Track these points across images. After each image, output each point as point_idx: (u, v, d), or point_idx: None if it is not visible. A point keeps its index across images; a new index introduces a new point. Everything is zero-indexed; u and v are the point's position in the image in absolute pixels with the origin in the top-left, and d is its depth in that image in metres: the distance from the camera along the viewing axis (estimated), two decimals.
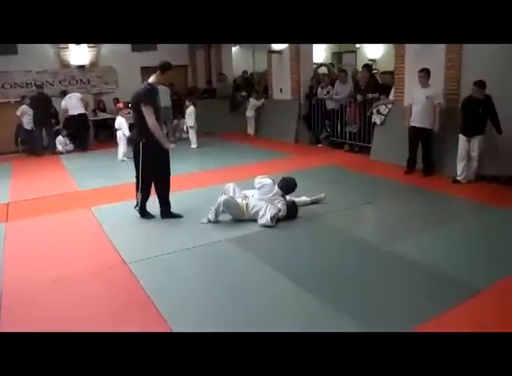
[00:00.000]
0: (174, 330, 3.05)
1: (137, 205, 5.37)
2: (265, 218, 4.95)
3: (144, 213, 5.37)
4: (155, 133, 4.95)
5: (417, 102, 6.86)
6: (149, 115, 4.91)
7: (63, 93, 10.90)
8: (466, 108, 6.33)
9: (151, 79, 5.06)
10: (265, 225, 4.94)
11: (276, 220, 5.00)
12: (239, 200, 5.16)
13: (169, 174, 5.27)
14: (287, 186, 5.25)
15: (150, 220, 5.27)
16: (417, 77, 6.82)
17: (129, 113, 10.89)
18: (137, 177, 5.25)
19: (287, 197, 5.28)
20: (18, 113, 10.34)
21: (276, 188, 5.17)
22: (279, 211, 5.01)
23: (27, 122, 10.39)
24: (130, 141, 5.33)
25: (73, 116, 10.63)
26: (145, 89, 4.98)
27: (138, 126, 5.17)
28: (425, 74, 6.71)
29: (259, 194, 5.16)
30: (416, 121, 6.92)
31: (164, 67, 5.06)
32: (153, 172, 5.15)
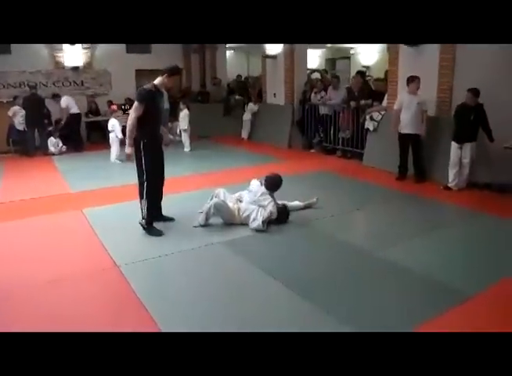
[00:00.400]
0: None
1: (143, 218, 4.95)
2: (257, 222, 4.95)
3: (151, 228, 4.96)
4: (128, 130, 4.79)
5: (408, 108, 6.91)
6: (132, 110, 4.79)
7: (55, 96, 10.93)
8: (459, 115, 6.40)
9: (157, 81, 4.90)
10: (256, 230, 4.94)
11: (268, 223, 5.01)
12: (230, 205, 5.16)
13: (163, 178, 5.19)
14: (271, 183, 5.25)
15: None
16: (406, 83, 6.89)
17: (124, 113, 10.95)
18: (141, 182, 4.90)
19: (280, 202, 5.28)
20: (10, 113, 10.27)
21: (263, 187, 5.20)
22: (271, 214, 5.01)
23: (19, 123, 10.32)
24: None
25: (75, 114, 10.91)
26: (146, 89, 4.82)
27: (138, 126, 4.84)
28: (416, 81, 6.77)
29: (249, 197, 5.18)
30: (407, 128, 6.97)
31: (172, 71, 4.91)
32: (159, 173, 5.00)
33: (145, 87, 4.88)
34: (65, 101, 10.79)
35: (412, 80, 6.80)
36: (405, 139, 7.07)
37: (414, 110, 6.85)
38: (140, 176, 4.92)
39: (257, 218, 4.96)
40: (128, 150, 4.85)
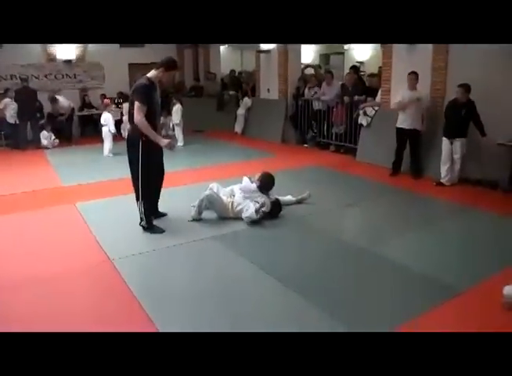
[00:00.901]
0: (158, 328, 3.04)
1: (141, 220, 4.79)
2: (250, 211, 4.96)
3: (151, 226, 4.83)
4: (145, 131, 4.48)
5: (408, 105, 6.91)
6: (137, 111, 4.45)
7: (54, 100, 10.92)
8: (450, 111, 6.44)
9: (151, 74, 4.60)
10: (250, 219, 4.94)
11: (262, 217, 5.01)
12: (224, 198, 5.17)
13: (163, 176, 5.06)
14: (265, 183, 5.27)
15: (134, 216, 5.07)
16: (407, 79, 6.87)
17: (117, 107, 10.91)
18: (135, 183, 4.68)
19: (272, 196, 5.29)
20: (1, 106, 10.18)
21: (254, 185, 5.21)
22: (264, 204, 5.02)
23: (11, 116, 10.24)
24: (126, 140, 4.74)
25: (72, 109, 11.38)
26: (142, 84, 4.51)
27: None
28: (414, 76, 6.79)
29: (241, 194, 5.20)
30: (406, 123, 6.99)
31: (170, 65, 4.62)
32: (157, 172, 4.84)
33: (140, 83, 4.54)
34: (66, 99, 11.04)
35: (411, 75, 6.81)
36: (403, 134, 7.08)
37: (414, 106, 6.87)
38: (134, 176, 4.67)
39: (250, 208, 4.98)
40: (164, 142, 4.57)
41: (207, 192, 5.10)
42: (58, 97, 10.96)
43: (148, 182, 4.68)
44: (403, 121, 7.02)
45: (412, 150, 7.13)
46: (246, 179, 5.37)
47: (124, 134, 10.97)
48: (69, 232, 4.97)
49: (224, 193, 5.29)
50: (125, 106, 10.70)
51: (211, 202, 5.05)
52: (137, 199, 4.76)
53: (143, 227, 4.83)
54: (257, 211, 4.94)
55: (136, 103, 4.47)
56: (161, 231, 4.82)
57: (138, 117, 4.47)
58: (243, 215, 5.00)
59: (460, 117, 6.29)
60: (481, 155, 6.44)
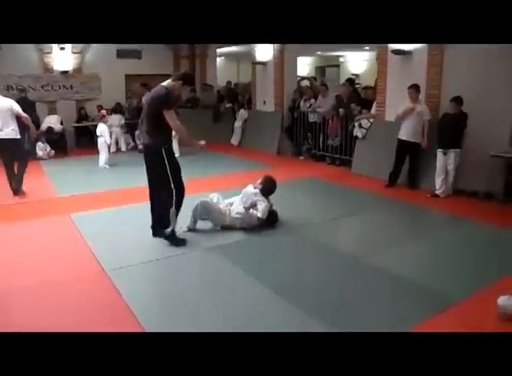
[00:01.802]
0: None
1: (167, 227, 4.67)
2: (241, 209, 5.04)
3: (176, 239, 4.72)
4: (183, 134, 4.71)
5: (408, 116, 6.96)
6: (172, 118, 4.44)
7: (49, 129, 10.90)
8: (444, 122, 6.51)
9: (168, 84, 4.52)
10: (240, 215, 5.03)
11: (259, 226, 5.06)
12: (221, 206, 5.20)
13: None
14: (266, 185, 5.30)
15: (129, 227, 5.07)
16: (407, 92, 6.88)
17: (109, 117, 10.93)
18: (168, 191, 4.58)
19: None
20: None
21: (256, 190, 5.24)
22: (255, 204, 5.07)
23: None
24: (144, 151, 4.77)
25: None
26: (166, 93, 4.41)
27: (157, 132, 4.53)
28: (415, 89, 6.83)
29: (240, 200, 5.23)
30: (406, 135, 7.02)
31: (187, 80, 4.65)
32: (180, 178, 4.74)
33: (165, 92, 4.43)
34: (58, 121, 11.06)
35: (411, 88, 6.85)
36: (404, 146, 7.09)
37: (414, 118, 6.91)
38: (165, 186, 4.58)
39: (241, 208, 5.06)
40: (199, 144, 4.87)
41: (202, 199, 5.12)
42: (52, 125, 10.85)
43: (180, 188, 4.65)
44: (403, 133, 7.05)
45: (410, 163, 7.15)
46: (250, 186, 5.38)
47: (119, 145, 11.03)
48: (63, 242, 4.94)
49: (222, 204, 5.31)
50: (113, 117, 10.81)
51: (206, 208, 5.04)
52: (169, 206, 4.61)
53: (165, 236, 4.71)
54: (246, 208, 5.00)
55: (170, 112, 4.43)
56: (184, 243, 4.71)
57: (177, 122, 4.53)
58: (234, 213, 5.05)
59: (454, 128, 6.36)
60: (475, 166, 6.48)
